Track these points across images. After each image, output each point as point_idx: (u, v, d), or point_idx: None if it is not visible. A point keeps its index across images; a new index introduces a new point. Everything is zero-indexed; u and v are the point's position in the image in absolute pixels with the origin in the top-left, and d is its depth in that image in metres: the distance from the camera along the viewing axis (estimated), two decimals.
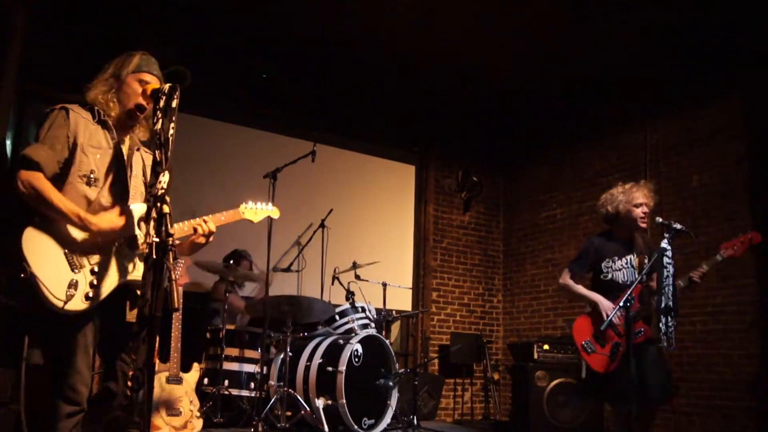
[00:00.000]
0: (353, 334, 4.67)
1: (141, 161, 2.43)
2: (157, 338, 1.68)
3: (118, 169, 2.30)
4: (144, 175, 2.41)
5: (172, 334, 3.89)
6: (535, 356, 5.27)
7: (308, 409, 4.31)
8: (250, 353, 4.75)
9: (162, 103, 1.94)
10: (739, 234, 3.39)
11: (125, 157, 2.34)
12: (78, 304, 2.09)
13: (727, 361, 4.88)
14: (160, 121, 1.91)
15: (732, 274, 4.86)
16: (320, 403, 4.28)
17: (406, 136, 7.13)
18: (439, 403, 6.47)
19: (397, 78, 6.38)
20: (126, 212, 2.22)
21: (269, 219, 3.12)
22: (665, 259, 3.21)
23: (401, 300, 6.63)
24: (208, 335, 4.76)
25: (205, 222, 2.42)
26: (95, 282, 2.14)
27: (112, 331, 2.26)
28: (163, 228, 1.77)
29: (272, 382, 4.56)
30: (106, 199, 2.24)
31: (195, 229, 2.40)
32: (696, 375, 5.06)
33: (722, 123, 5.17)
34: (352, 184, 6.69)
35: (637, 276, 3.45)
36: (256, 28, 5.62)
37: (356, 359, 4.43)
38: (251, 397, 4.60)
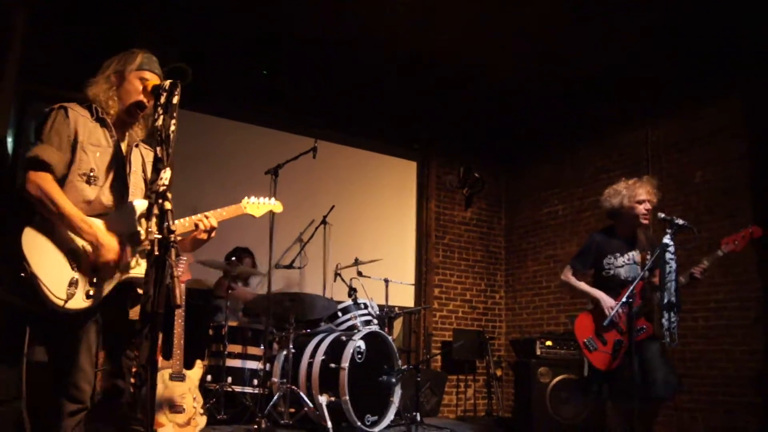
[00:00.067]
0: (356, 331, 4.66)
1: (140, 157, 2.41)
2: (160, 335, 1.67)
3: (118, 167, 2.29)
4: (143, 171, 2.40)
5: (175, 331, 3.89)
6: (538, 352, 5.27)
7: (311, 405, 4.32)
8: (252, 350, 4.75)
9: (163, 100, 1.94)
10: (740, 229, 3.39)
11: (124, 155, 2.33)
12: (79, 302, 2.08)
13: (730, 357, 4.87)
14: (161, 117, 1.91)
15: (734, 270, 4.85)
16: (323, 399, 4.28)
17: (407, 133, 7.11)
18: (442, 399, 6.48)
19: (397, 77, 6.36)
20: (123, 243, 2.19)
21: (271, 215, 3.09)
22: (668, 255, 3.20)
23: (403, 296, 6.63)
24: (210, 332, 4.76)
25: (206, 218, 2.40)
26: (96, 280, 2.13)
27: (116, 328, 2.25)
28: (165, 224, 1.77)
29: (275, 379, 4.56)
30: (106, 197, 2.23)
31: (196, 225, 2.38)
32: (698, 371, 5.05)
33: (722, 123, 5.15)
34: (354, 181, 6.68)
35: (639, 272, 3.44)
36: (256, 28, 5.60)
37: (359, 356, 4.43)
38: (254, 393, 4.60)
